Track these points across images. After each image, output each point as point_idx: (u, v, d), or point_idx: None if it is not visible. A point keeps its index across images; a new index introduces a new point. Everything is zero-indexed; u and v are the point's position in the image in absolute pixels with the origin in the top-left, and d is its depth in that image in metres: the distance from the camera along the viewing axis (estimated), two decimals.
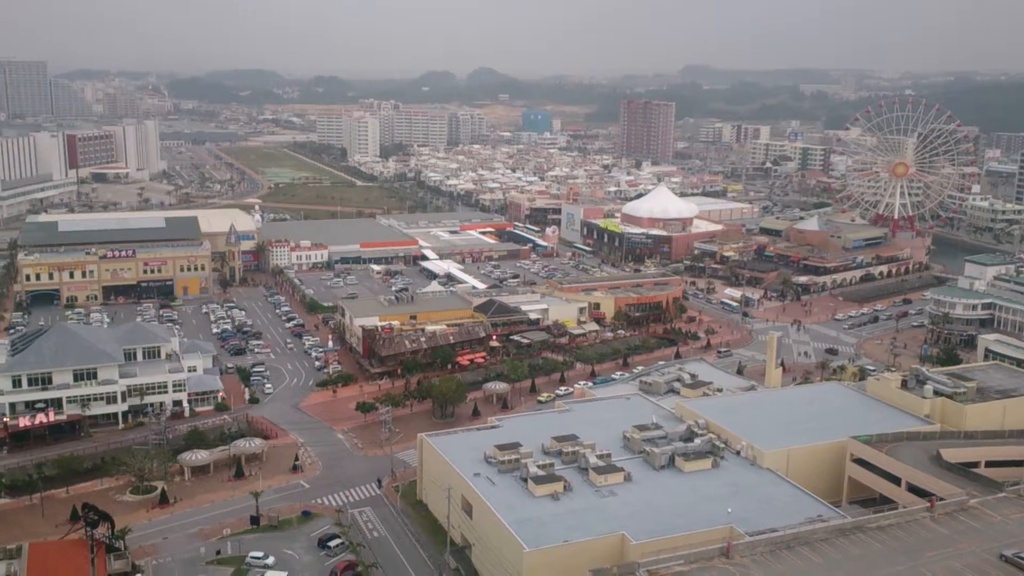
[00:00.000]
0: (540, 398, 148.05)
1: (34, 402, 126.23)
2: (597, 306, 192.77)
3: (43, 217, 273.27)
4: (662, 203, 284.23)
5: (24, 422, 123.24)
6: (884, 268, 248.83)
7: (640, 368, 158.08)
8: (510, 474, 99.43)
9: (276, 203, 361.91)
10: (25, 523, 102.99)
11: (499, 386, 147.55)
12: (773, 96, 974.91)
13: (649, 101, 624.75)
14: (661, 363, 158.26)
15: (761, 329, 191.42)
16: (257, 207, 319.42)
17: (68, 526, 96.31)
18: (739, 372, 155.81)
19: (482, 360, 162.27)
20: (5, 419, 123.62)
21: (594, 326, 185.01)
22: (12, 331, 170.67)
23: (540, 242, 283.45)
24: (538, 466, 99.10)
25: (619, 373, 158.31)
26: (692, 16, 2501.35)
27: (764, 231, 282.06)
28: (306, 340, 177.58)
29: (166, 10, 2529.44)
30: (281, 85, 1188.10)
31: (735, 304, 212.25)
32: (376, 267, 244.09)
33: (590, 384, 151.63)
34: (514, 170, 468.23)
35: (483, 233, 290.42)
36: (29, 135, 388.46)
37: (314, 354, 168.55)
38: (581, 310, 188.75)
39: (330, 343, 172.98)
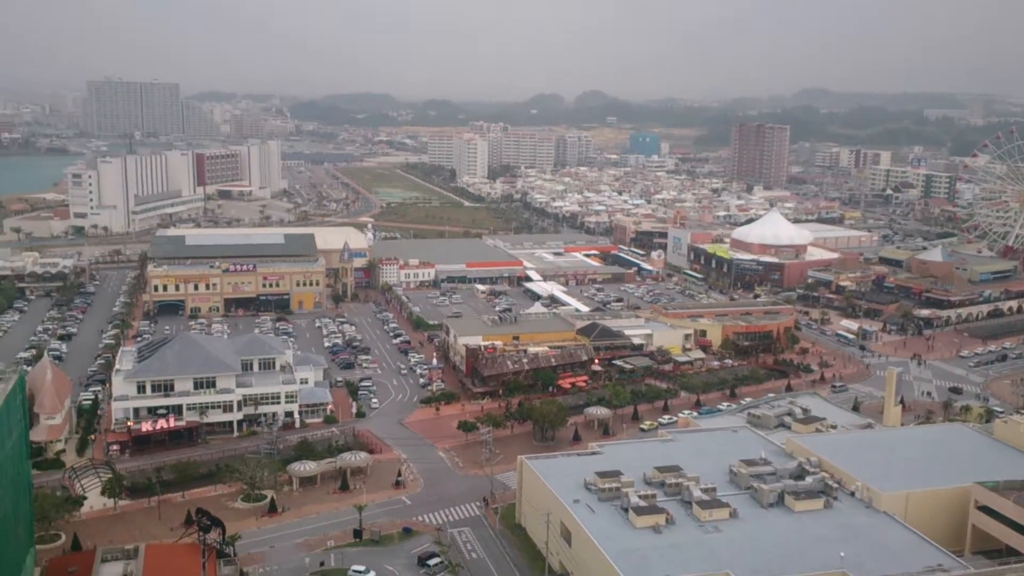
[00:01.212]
0: (643, 426, 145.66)
1: (156, 408, 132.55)
2: (704, 333, 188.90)
3: (172, 231, 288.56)
4: (774, 229, 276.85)
5: (146, 427, 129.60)
6: (1014, 303, 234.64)
7: (748, 400, 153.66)
8: (610, 503, 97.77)
9: (388, 222, 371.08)
10: (143, 524, 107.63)
11: (601, 411, 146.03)
12: (895, 121, 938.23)
13: (762, 124, 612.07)
14: (771, 395, 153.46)
15: (879, 364, 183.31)
16: (370, 225, 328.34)
17: (182, 530, 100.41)
18: (855, 408, 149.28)
19: (584, 384, 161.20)
20: (129, 423, 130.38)
21: (700, 354, 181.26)
22: (139, 339, 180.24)
23: (645, 266, 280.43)
24: (640, 496, 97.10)
25: (726, 404, 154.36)
26: (810, 38, 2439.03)
27: (884, 261, 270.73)
28: (412, 357, 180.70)
29: (292, 37, 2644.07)
30: (396, 108, 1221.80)
31: (851, 336, 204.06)
32: (481, 287, 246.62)
33: (695, 414, 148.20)
34: (620, 193, 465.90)
35: (587, 255, 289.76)
36: (162, 153, 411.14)
37: (419, 371, 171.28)
38: (687, 337, 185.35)
39: (434, 361, 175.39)
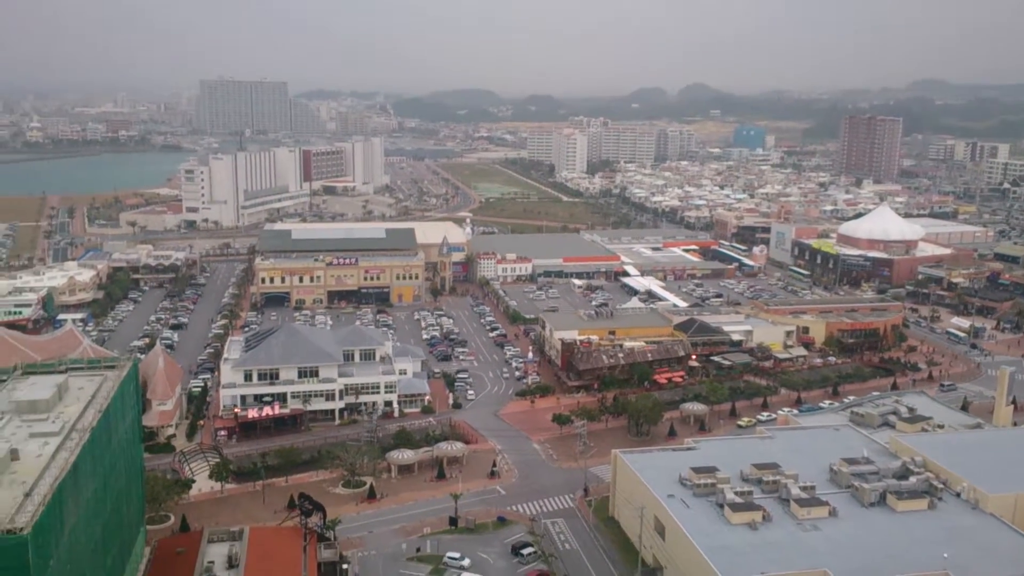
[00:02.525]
0: (740, 422, 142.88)
1: (262, 395, 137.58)
2: (806, 330, 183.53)
3: (279, 225, 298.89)
4: (883, 224, 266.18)
5: (253, 413, 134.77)
6: None
7: (851, 398, 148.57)
8: (706, 498, 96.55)
9: (486, 217, 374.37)
10: (248, 508, 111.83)
11: (697, 407, 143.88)
12: (1014, 112, 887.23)
13: (873, 116, 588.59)
14: (875, 394, 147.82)
15: (991, 363, 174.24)
16: (468, 220, 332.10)
17: (285, 513, 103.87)
18: (964, 408, 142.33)
19: (680, 379, 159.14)
20: (236, 410, 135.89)
21: (802, 351, 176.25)
22: (247, 329, 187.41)
23: (746, 261, 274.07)
24: (736, 492, 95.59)
25: (828, 402, 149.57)
26: (925, 27, 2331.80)
27: (999, 257, 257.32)
28: (508, 350, 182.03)
29: (396, 36, 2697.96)
30: (496, 104, 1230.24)
31: (963, 335, 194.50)
32: (578, 281, 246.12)
33: (795, 411, 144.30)
34: (722, 187, 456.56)
35: (686, 250, 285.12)
36: (270, 150, 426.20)
37: (514, 364, 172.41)
38: (788, 333, 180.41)
39: (530, 354, 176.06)
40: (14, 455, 68.41)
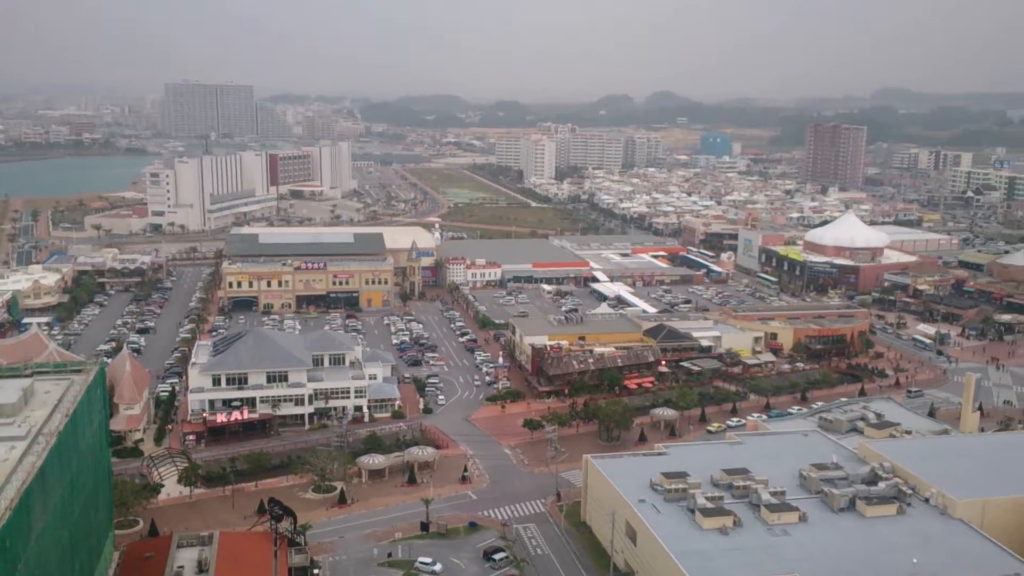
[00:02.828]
0: (710, 428, 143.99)
1: (231, 400, 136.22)
2: (774, 336, 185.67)
3: (246, 229, 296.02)
4: (849, 231, 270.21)
5: (221, 418, 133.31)
6: None
7: (820, 404, 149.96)
8: (676, 503, 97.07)
9: (455, 222, 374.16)
10: (217, 512, 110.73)
11: (667, 412, 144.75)
12: (977, 121, 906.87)
13: (838, 125, 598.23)
14: (843, 400, 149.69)
15: (957, 369, 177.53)
16: (437, 225, 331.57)
17: (255, 518, 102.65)
18: (931, 414, 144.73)
19: (650, 385, 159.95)
20: (205, 415, 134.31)
21: (770, 357, 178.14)
22: (215, 333, 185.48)
23: (714, 268, 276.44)
24: (707, 498, 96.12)
25: (796, 408, 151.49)
26: (888, 38, 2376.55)
27: (963, 264, 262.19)
28: (478, 355, 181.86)
29: (362, 40, 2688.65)
30: (464, 109, 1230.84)
31: (928, 341, 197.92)
32: (547, 287, 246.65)
33: (764, 417, 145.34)
34: (690, 194, 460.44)
35: (655, 257, 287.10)
36: (236, 154, 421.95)
37: (485, 369, 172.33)
38: (757, 340, 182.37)
39: (500, 359, 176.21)
40: None
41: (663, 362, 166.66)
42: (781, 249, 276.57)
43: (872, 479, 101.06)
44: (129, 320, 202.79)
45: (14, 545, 58.34)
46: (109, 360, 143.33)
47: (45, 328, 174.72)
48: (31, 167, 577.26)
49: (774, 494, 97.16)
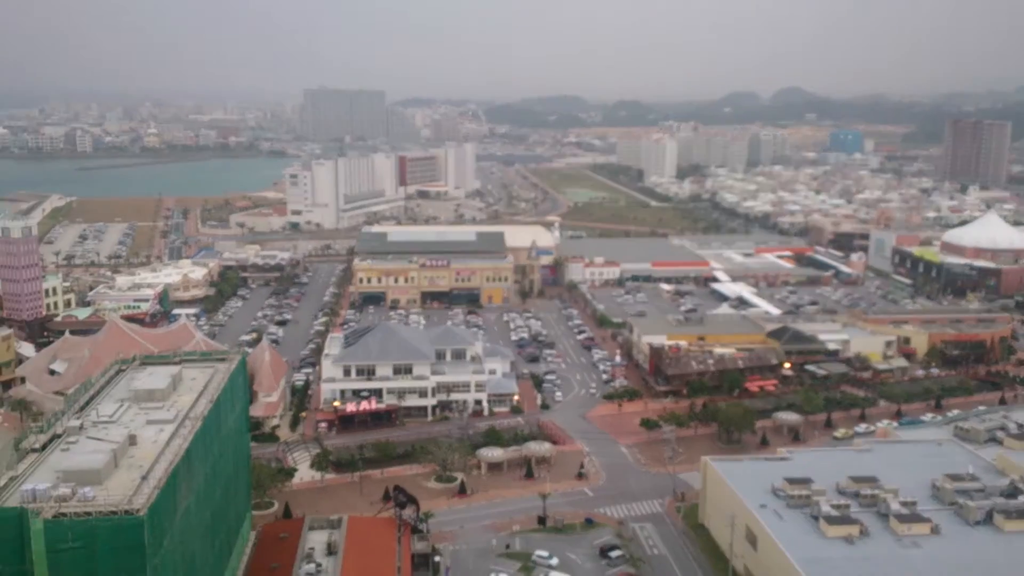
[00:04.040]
0: (836, 434, 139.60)
1: (359, 390, 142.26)
2: (907, 341, 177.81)
3: (376, 228, 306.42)
4: (991, 232, 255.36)
5: (351, 407, 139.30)
6: None
7: (955, 412, 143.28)
8: (799, 510, 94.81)
9: (574, 221, 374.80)
10: (346, 498, 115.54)
11: (790, 417, 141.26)
12: None
13: (980, 120, 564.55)
14: (981, 408, 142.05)
15: None
16: (556, 224, 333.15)
17: (381, 505, 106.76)
18: None
19: (773, 388, 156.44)
20: (336, 403, 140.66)
21: (903, 362, 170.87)
22: (346, 326, 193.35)
23: (843, 268, 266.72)
24: (832, 505, 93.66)
25: (930, 415, 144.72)
26: None
27: None
28: (595, 353, 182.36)
29: (487, 44, 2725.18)
30: (586, 109, 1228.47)
31: None
32: (666, 286, 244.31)
33: (895, 424, 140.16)
34: (818, 192, 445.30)
35: (780, 257, 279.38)
36: (369, 156, 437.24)
37: (602, 367, 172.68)
38: (888, 344, 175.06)
39: (617, 358, 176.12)
40: (132, 440, 72.81)
41: (787, 365, 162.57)
42: (916, 250, 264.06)
43: (1012, 492, 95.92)
44: (269, 312, 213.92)
45: (161, 522, 62.53)
46: (250, 350, 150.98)
47: (193, 319, 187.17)
48: (182, 168, 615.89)
49: (904, 504, 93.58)
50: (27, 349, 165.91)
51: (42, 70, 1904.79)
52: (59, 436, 72.85)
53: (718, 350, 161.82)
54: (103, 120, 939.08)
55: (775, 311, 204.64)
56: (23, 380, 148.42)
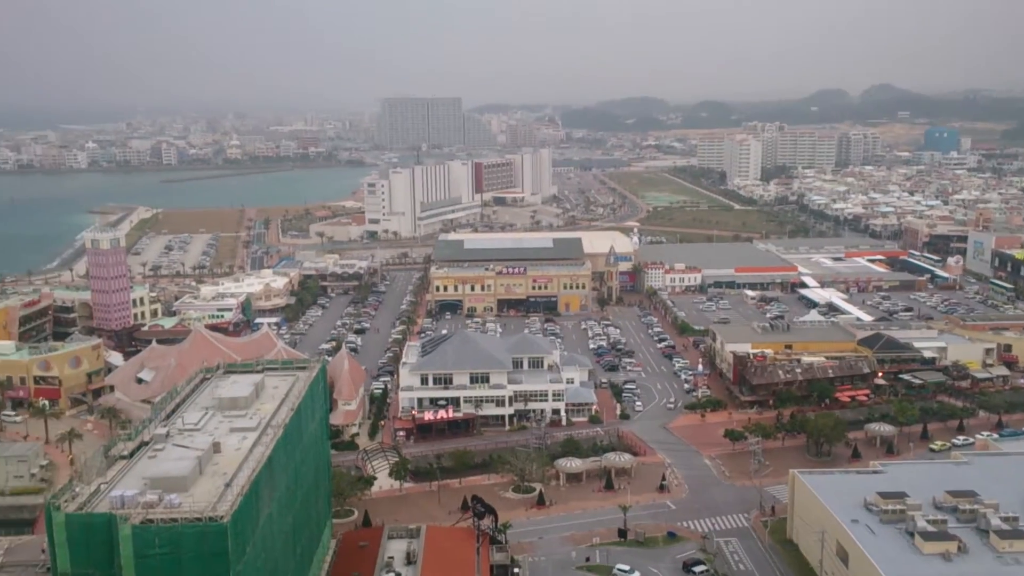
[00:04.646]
0: (932, 446, 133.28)
1: (437, 399, 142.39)
2: (1008, 348, 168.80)
3: (452, 235, 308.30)
4: None
5: (428, 416, 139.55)
6: None
7: None
8: (894, 525, 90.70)
9: (653, 226, 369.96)
10: (424, 506, 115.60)
11: (884, 428, 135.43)
12: None
13: None
14: None
15: None
16: (635, 229, 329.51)
17: (459, 514, 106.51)
18: None
19: (865, 398, 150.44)
20: (414, 412, 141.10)
21: (1004, 371, 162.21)
22: (423, 335, 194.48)
23: (940, 273, 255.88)
24: (928, 520, 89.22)
25: None
26: None
27: None
28: (676, 362, 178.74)
29: (564, 47, 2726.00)
30: (665, 111, 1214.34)
31: None
32: (751, 292, 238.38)
33: (995, 436, 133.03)
34: (912, 193, 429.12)
35: (872, 261, 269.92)
36: (445, 163, 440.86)
37: (683, 376, 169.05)
38: (988, 351, 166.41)
39: (700, 367, 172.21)
40: (216, 448, 74.06)
41: (880, 374, 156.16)
42: (1018, 253, 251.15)
43: None
44: (347, 321, 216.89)
45: (244, 529, 63.48)
46: (330, 358, 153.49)
47: (274, 328, 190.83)
48: (263, 179, 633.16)
49: (1005, 519, 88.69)
50: (116, 358, 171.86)
51: (129, 86, 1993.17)
52: (146, 443, 74.67)
53: (806, 358, 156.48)
54: (187, 133, 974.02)
55: (867, 318, 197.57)
56: (112, 388, 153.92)
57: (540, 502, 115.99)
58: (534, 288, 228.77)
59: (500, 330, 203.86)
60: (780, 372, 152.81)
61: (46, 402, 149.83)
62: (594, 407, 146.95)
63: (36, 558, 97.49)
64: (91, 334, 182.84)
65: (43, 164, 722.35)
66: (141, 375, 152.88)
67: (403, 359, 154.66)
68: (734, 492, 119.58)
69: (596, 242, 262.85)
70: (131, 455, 72.22)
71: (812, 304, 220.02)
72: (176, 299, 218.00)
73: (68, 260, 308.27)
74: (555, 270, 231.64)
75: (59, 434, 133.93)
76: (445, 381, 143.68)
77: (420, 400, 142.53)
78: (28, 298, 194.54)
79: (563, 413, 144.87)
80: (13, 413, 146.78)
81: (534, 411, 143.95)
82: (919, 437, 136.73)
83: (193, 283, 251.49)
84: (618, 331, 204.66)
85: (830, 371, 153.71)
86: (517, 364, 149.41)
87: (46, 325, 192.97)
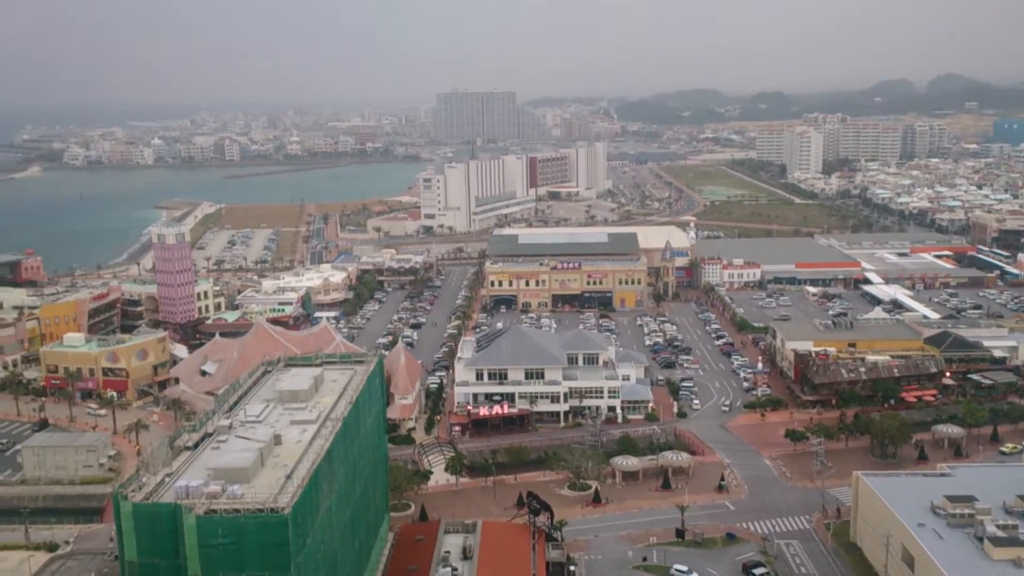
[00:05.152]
0: (1003, 448, 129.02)
1: (492, 394, 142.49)
2: None
3: (506, 231, 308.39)
4: None
5: (484, 411, 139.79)
6: None
7: None
8: (962, 530, 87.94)
9: (711, 220, 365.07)
10: (480, 502, 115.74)
11: (952, 430, 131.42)
12: None
13: None
14: None
15: None
16: (692, 224, 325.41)
17: (514, 510, 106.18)
18: None
19: (931, 398, 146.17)
20: (469, 407, 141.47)
21: None
22: (477, 330, 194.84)
23: (1010, 269, 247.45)
24: (998, 525, 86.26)
25: None
26: None
27: None
28: (734, 359, 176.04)
29: (619, 39, 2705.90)
30: (723, 103, 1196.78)
31: None
32: (812, 289, 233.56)
33: None
34: (980, 187, 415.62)
35: (938, 256, 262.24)
36: (499, 158, 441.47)
37: (742, 374, 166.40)
38: None
39: (759, 365, 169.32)
40: (278, 440, 75.23)
41: (948, 373, 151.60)
42: None
43: None
44: (403, 315, 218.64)
45: (304, 521, 64.36)
46: (387, 353, 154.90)
47: (333, 322, 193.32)
48: (322, 174, 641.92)
49: None
50: (180, 351, 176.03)
51: (193, 83, 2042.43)
52: (210, 435, 76.16)
53: (871, 357, 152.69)
54: (249, 129, 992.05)
55: (934, 315, 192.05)
56: (177, 380, 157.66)
57: (596, 500, 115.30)
58: (589, 283, 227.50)
59: (555, 326, 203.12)
60: (843, 371, 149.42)
61: (114, 393, 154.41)
62: (650, 405, 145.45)
63: (104, 546, 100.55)
64: (157, 327, 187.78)
65: (111, 160, 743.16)
66: (205, 367, 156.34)
67: (458, 354, 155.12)
68: (795, 494, 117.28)
69: (652, 237, 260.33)
70: (195, 446, 73.77)
71: (876, 301, 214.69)
72: (239, 293, 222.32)
73: (135, 254, 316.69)
74: (610, 265, 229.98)
75: (126, 425, 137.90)
76: (500, 376, 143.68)
77: (475, 395, 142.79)
78: (97, 291, 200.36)
79: (619, 410, 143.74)
80: (96, 406, 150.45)
81: (589, 408, 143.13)
82: (988, 439, 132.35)
83: (255, 277, 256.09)
84: (674, 327, 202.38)
85: (895, 370, 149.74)
86: (572, 360, 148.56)
87: (114, 318, 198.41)
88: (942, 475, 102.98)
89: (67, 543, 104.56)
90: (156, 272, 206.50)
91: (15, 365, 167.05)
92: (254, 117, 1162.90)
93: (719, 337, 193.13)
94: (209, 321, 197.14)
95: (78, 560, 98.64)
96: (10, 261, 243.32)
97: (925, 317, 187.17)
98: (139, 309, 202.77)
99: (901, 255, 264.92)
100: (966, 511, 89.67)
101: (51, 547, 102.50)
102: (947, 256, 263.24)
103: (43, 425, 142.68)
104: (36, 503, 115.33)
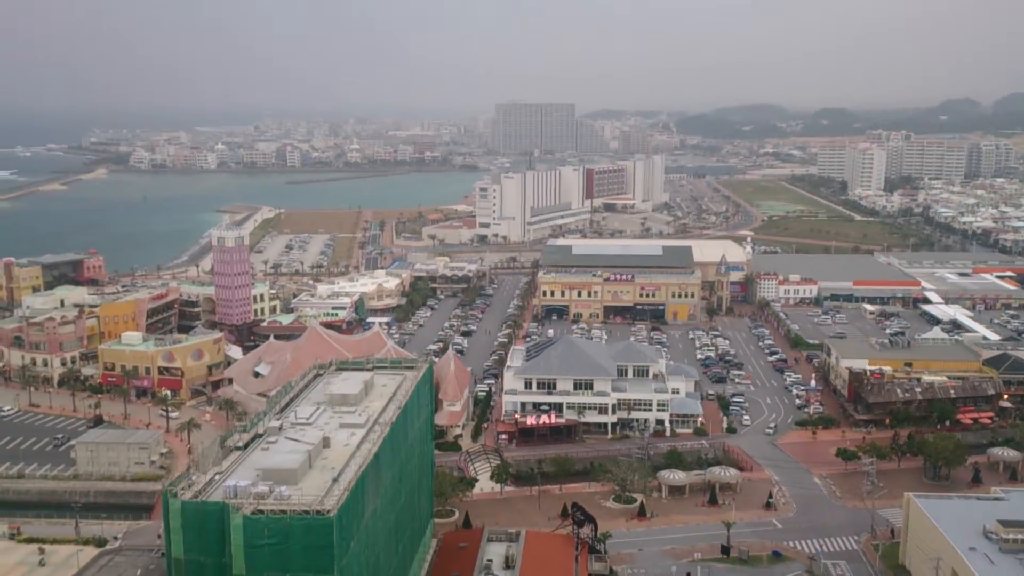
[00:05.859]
0: None
1: (540, 404, 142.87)
2: None
3: (560, 241, 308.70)
4: None
5: (531, 420, 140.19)
6: None
7: None
8: (1014, 555, 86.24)
9: (768, 236, 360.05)
10: (524, 511, 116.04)
11: (1008, 453, 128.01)
12: None
13: None
14: None
15: None
16: (749, 239, 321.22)
17: (559, 521, 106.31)
18: None
19: (988, 421, 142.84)
20: (517, 416, 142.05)
21: None
22: (528, 339, 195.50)
23: None
24: None
25: None
26: None
27: None
28: (787, 376, 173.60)
29: (681, 54, 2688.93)
30: (784, 119, 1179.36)
31: None
32: (869, 307, 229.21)
33: None
34: None
35: (1001, 277, 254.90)
36: (556, 169, 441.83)
37: (795, 391, 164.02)
38: None
39: (813, 382, 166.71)
40: (326, 442, 76.67)
41: (1006, 396, 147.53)
42: None
43: None
44: (455, 323, 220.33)
45: (350, 523, 65.34)
46: (437, 359, 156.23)
47: (385, 327, 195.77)
48: (381, 182, 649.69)
49: None
50: (235, 352, 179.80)
51: (258, 90, 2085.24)
52: (260, 436, 77.87)
53: (927, 377, 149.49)
54: (311, 137, 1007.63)
55: (994, 337, 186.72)
56: (230, 381, 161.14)
57: (641, 513, 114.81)
58: (641, 296, 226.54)
59: (606, 337, 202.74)
60: (898, 391, 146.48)
61: (168, 392, 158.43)
62: (700, 419, 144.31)
63: (152, 543, 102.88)
64: (213, 328, 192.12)
65: (175, 164, 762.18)
66: (258, 369, 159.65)
67: (508, 363, 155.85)
68: (845, 513, 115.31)
69: (707, 251, 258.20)
70: (245, 446, 75.36)
71: (935, 321, 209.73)
72: (294, 296, 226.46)
73: (195, 256, 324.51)
74: (663, 278, 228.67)
75: (179, 423, 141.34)
76: (549, 386, 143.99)
77: (523, 404, 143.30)
78: (156, 291, 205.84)
79: (667, 424, 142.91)
80: (168, 408, 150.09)
81: (637, 420, 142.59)
82: None
83: (310, 281, 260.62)
84: (727, 342, 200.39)
85: (952, 391, 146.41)
86: (622, 372, 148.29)
87: (172, 318, 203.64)
88: (996, 499, 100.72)
89: (116, 539, 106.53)
90: (214, 274, 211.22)
91: (73, 362, 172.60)
92: (316, 125, 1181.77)
93: (772, 353, 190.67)
94: (264, 323, 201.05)
95: (126, 556, 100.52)
96: (73, 260, 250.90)
97: (985, 338, 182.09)
98: (196, 310, 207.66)
99: (963, 275, 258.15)
100: (1019, 536, 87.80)
101: (100, 542, 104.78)
102: (1010, 277, 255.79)
103: (98, 421, 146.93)
104: (87, 498, 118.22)
